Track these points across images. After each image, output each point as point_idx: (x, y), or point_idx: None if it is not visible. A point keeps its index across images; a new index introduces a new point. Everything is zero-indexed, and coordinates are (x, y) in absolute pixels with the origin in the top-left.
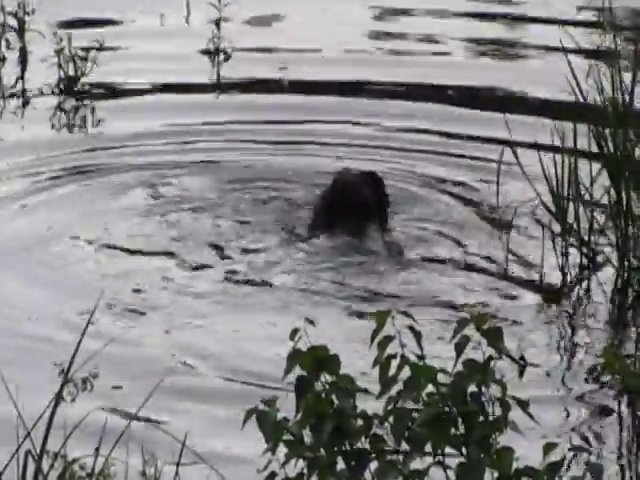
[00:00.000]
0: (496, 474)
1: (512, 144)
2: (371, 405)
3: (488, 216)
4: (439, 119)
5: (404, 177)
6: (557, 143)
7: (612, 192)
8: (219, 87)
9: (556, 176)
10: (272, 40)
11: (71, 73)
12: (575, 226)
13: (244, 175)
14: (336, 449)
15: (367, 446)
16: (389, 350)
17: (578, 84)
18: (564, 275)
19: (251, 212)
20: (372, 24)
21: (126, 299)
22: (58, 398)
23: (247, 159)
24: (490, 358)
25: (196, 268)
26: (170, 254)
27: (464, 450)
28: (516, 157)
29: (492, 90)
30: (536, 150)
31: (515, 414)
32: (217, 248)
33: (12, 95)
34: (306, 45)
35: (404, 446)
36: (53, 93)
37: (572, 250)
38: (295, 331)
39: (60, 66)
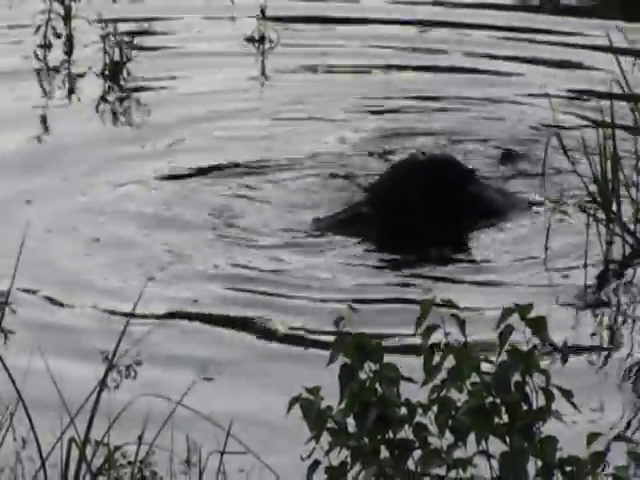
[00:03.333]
0: (540, 463)
1: (558, 131)
2: (415, 394)
3: (533, 202)
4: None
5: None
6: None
7: None
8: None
9: (601, 164)
10: None
11: (117, 59)
12: (620, 214)
13: None
14: (380, 438)
15: (411, 435)
16: (433, 338)
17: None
18: (607, 264)
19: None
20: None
21: (173, 284)
22: (102, 385)
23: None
24: (534, 347)
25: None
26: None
27: (508, 439)
28: (562, 145)
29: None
30: (581, 137)
31: (559, 404)
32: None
33: (58, 81)
34: None
35: (448, 435)
36: (99, 79)
37: (617, 239)
38: (340, 318)
39: (106, 52)
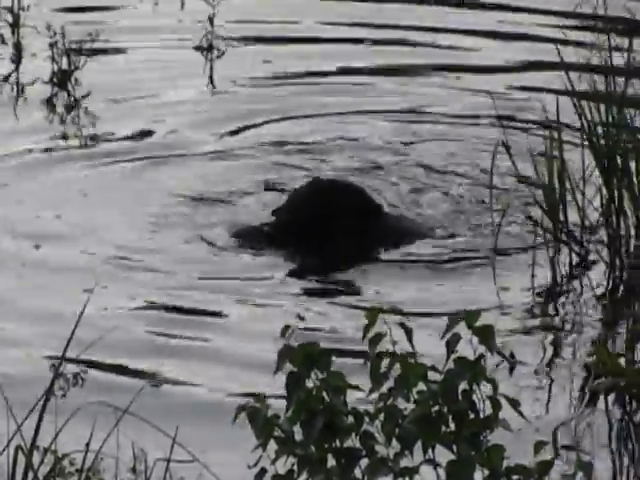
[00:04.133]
0: (487, 472)
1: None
2: (362, 403)
3: (479, 211)
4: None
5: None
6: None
7: (604, 189)
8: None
9: (548, 172)
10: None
11: (65, 67)
12: (566, 223)
13: None
14: (327, 446)
15: (357, 443)
16: (380, 347)
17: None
18: (554, 272)
19: None
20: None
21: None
22: (49, 392)
23: None
24: (481, 356)
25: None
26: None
27: (454, 448)
28: (509, 154)
29: None
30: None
31: (506, 412)
32: None
33: (6, 89)
34: None
35: (394, 444)
36: (47, 87)
37: (563, 247)
38: (286, 327)
39: (54, 60)
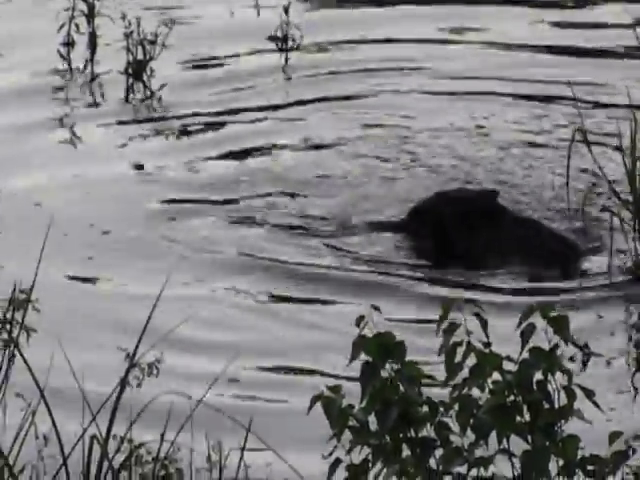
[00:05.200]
0: (561, 462)
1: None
2: (437, 393)
3: (558, 199)
4: None
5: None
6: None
7: None
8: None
9: (624, 162)
10: None
11: (140, 57)
12: None
13: None
14: (401, 436)
15: (432, 433)
16: (455, 337)
17: None
18: (634, 262)
19: None
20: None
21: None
22: (124, 382)
23: None
24: (556, 346)
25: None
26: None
27: (529, 438)
28: (586, 141)
29: None
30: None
31: (581, 403)
32: None
33: (81, 79)
34: None
35: (469, 434)
36: (122, 77)
37: None
38: (361, 318)
39: (129, 50)
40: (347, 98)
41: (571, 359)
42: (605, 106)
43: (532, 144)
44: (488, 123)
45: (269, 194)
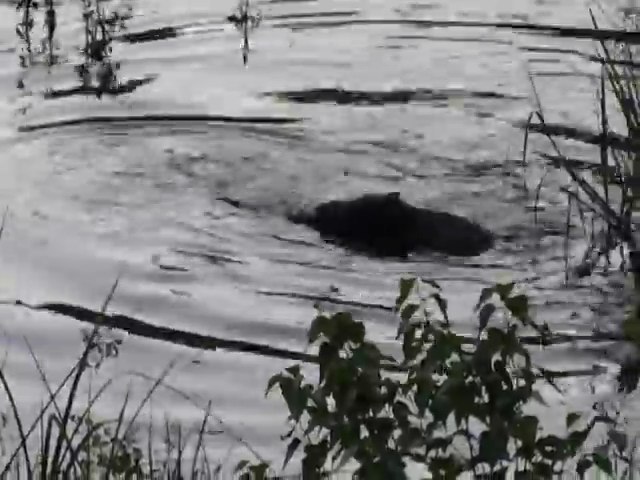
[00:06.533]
0: (520, 443)
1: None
2: (395, 375)
3: (514, 182)
4: None
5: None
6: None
7: None
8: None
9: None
10: None
11: (99, 37)
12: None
13: None
14: (360, 417)
15: (391, 414)
16: (413, 319)
17: None
18: (590, 245)
19: None
20: None
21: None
22: (83, 362)
23: None
24: (514, 327)
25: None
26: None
27: (488, 419)
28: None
29: None
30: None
31: (539, 385)
32: None
33: (39, 59)
34: None
35: (427, 415)
36: (80, 57)
37: (599, 220)
38: (320, 299)
39: (88, 30)
40: None
41: (530, 340)
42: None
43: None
44: None
45: None
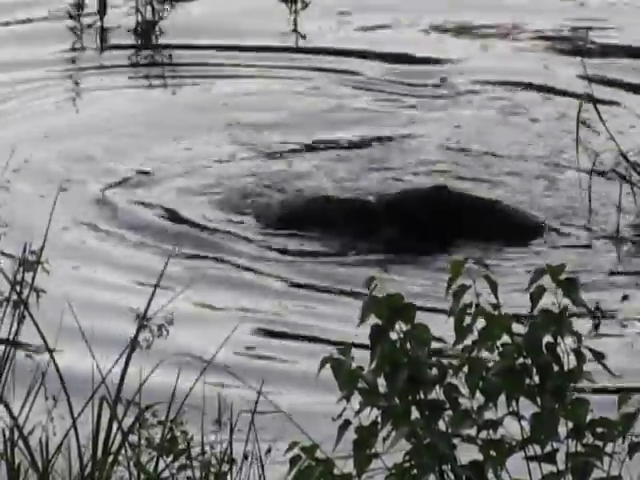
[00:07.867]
0: (570, 425)
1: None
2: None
3: (567, 167)
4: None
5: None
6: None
7: None
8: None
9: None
10: None
11: (149, 17)
12: None
13: None
14: (411, 398)
15: (442, 396)
16: (464, 300)
17: None
18: None
19: None
20: None
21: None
22: (133, 344)
23: None
24: (565, 308)
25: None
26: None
27: (538, 401)
28: (596, 109)
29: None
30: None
31: (591, 365)
32: None
33: (91, 40)
34: None
35: (478, 396)
36: (132, 37)
37: None
38: (371, 279)
39: (138, 10)
40: None
41: (582, 321)
42: None
43: None
44: None
45: None
